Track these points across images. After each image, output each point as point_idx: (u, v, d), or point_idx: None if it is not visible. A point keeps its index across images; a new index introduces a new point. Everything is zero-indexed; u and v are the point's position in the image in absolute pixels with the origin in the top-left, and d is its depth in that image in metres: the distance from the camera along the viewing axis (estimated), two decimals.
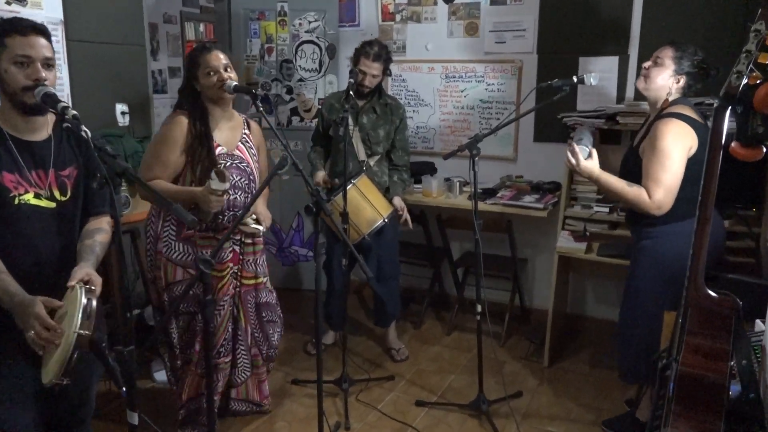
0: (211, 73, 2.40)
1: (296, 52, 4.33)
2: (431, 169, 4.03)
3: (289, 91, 4.41)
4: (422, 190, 3.80)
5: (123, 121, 3.58)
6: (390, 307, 3.56)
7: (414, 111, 4.20)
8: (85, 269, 1.72)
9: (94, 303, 1.64)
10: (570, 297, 3.98)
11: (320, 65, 4.32)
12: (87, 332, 1.63)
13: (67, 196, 1.85)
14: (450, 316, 4.00)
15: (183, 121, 2.44)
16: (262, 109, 2.29)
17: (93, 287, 1.67)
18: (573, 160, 2.33)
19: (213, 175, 2.23)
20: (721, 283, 2.47)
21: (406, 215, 3.38)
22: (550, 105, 3.55)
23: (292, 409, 3.02)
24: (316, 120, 3.68)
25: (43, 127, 1.85)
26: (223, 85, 2.38)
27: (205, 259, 1.76)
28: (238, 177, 2.47)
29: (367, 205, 3.11)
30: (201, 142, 2.39)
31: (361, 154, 3.40)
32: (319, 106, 4.30)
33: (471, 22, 3.95)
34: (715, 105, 1.32)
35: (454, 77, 4.06)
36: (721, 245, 2.46)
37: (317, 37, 4.29)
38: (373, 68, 3.25)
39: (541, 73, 3.77)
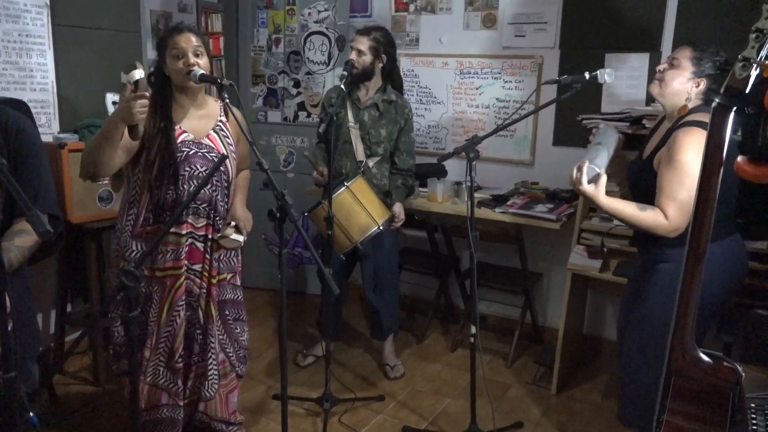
0: (178, 57, 2.18)
1: (304, 43, 4.10)
2: (441, 172, 3.73)
3: (297, 84, 4.18)
4: (428, 195, 3.51)
5: None
6: (386, 320, 3.29)
7: (426, 109, 3.92)
8: None
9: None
10: (588, 317, 3.63)
11: (329, 58, 4.07)
12: None
13: None
14: (455, 331, 3.71)
15: None
16: (228, 100, 2.08)
17: None
18: (575, 177, 2.00)
19: (122, 73, 1.99)
20: (750, 320, 2.13)
21: (399, 224, 3.09)
22: (571, 106, 3.26)
23: (268, 428, 2.78)
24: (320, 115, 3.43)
25: None
26: (189, 72, 2.16)
27: (127, 271, 1.52)
28: (204, 168, 2.24)
29: (361, 210, 2.83)
30: (159, 130, 2.17)
31: (360, 154, 3.11)
32: (329, 102, 4.06)
33: (489, 14, 3.64)
34: (713, 104, 0.99)
35: (469, 73, 3.75)
36: (741, 275, 2.10)
37: (327, 28, 4.04)
38: (359, 42, 2.99)
39: (563, 70, 3.43)
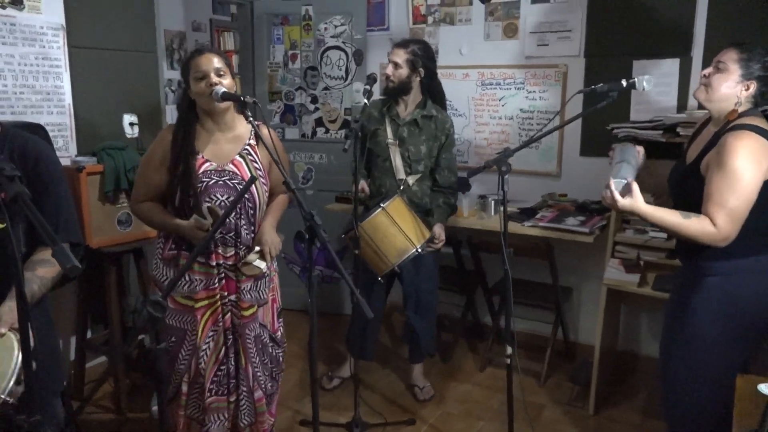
0: (201, 79, 2.11)
1: (321, 58, 4.04)
2: (465, 186, 3.63)
3: (314, 100, 4.12)
4: None
5: (131, 132, 3.34)
6: (425, 343, 3.18)
7: None
8: (4, 311, 1.42)
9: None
10: (622, 332, 3.51)
11: (346, 72, 4.01)
12: (12, 400, 1.34)
13: (4, 224, 1.57)
14: (484, 349, 3.59)
15: (166, 137, 2.19)
16: (252, 118, 2.01)
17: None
18: (607, 197, 1.91)
19: (205, 210, 1.95)
20: None
21: (439, 245, 2.97)
22: (598, 115, 3.16)
23: None
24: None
25: None
26: (212, 92, 2.09)
27: (154, 301, 1.44)
28: (225, 196, 2.16)
29: (397, 231, 2.71)
30: (179, 160, 2.10)
31: (400, 172, 3.00)
32: (354, 118, 3.99)
33: (510, 23, 3.56)
34: None
35: (491, 84, 3.67)
36: None
37: (343, 42, 3.98)
38: (396, 55, 2.90)
39: (589, 78, 3.34)
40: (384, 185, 3.01)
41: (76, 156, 3.06)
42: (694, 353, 2.04)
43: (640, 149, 2.18)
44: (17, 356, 1.35)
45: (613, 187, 1.89)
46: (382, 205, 2.69)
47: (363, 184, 3.03)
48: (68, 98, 3.07)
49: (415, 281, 3.05)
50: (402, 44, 2.94)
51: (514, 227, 3.13)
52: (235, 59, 4.91)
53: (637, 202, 1.89)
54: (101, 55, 3.20)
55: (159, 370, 1.52)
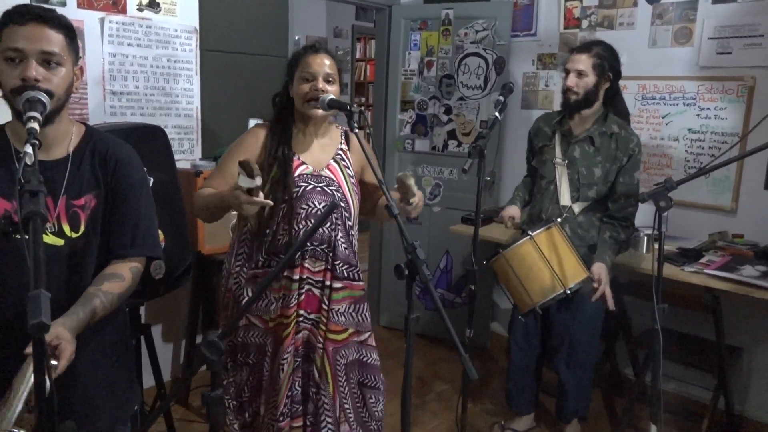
0: (307, 79, 1.91)
1: (459, 66, 3.73)
2: None
3: (448, 110, 3.82)
4: None
5: None
6: (574, 403, 2.73)
7: None
8: (57, 329, 1.27)
9: (48, 384, 1.19)
10: None
11: (485, 82, 3.66)
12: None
13: (80, 232, 1.45)
14: (621, 408, 3.06)
15: (260, 133, 2.00)
16: (357, 129, 1.79)
17: (54, 361, 1.22)
18: None
19: (239, 169, 1.71)
20: None
21: (605, 290, 2.43)
22: None
23: None
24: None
25: (61, 143, 1.46)
26: (317, 99, 1.88)
27: (210, 342, 1.22)
28: (323, 204, 1.93)
29: (545, 267, 2.35)
30: (276, 159, 1.91)
31: (565, 198, 2.57)
32: (481, 133, 3.66)
33: (683, 27, 3.00)
34: None
35: (654, 98, 3.13)
36: None
37: (484, 49, 3.64)
38: (578, 62, 2.46)
39: None
40: (545, 211, 2.61)
41: (200, 159, 3.04)
42: None
43: None
44: (26, 383, 1.20)
45: None
46: (530, 233, 2.35)
47: (515, 210, 2.68)
48: (197, 101, 3.05)
49: (569, 328, 2.60)
50: (583, 48, 2.50)
51: (671, 271, 2.59)
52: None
53: None
54: (232, 59, 3.15)
55: (213, 420, 1.31)
